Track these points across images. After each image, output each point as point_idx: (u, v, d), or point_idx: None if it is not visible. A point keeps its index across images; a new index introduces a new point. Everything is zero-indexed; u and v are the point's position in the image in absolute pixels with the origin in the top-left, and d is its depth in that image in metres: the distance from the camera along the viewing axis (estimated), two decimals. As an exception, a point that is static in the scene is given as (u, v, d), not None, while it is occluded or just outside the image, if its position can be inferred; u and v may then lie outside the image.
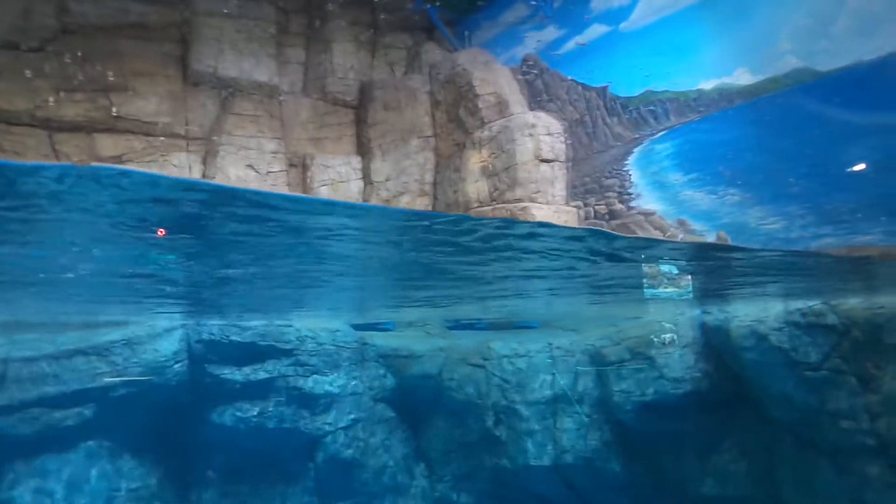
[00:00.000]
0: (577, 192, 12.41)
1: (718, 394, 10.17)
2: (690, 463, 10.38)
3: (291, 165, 11.75)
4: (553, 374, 11.73)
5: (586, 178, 12.47)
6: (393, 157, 12.58)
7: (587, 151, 12.41)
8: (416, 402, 12.33)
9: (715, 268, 8.52)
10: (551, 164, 12.00)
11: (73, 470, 9.78)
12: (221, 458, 11.10)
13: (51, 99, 9.55)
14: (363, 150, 13.04)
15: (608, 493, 10.87)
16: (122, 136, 10.37)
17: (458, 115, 12.96)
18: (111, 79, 9.97)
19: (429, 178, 12.69)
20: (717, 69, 10.70)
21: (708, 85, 10.62)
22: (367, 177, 12.78)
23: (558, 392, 11.59)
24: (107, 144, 10.41)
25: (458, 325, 13.08)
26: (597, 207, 12.03)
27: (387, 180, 12.89)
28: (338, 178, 11.78)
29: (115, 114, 10.19)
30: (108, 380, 10.20)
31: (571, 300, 11.45)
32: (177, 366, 10.87)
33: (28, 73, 9.30)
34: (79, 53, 9.60)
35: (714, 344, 10.23)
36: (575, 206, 12.24)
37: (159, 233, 8.65)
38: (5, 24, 8.83)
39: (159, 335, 10.94)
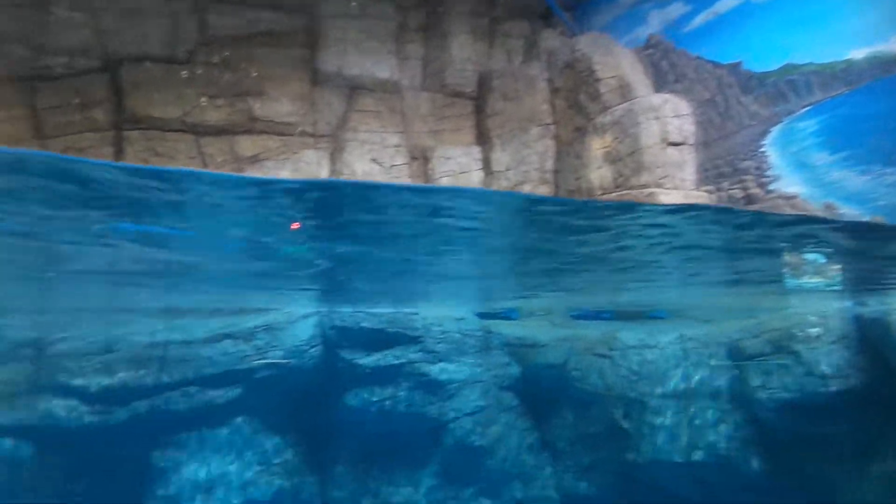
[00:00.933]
0: (708, 176, 11.20)
1: (876, 392, 8.72)
2: (842, 467, 9.00)
3: (413, 158, 11.51)
4: (685, 366, 10.67)
5: (718, 160, 11.23)
6: (513, 147, 12.00)
7: (719, 132, 11.17)
8: (540, 391, 11.72)
9: (870, 254, 7.22)
10: (679, 147, 10.91)
11: (223, 443, 10.07)
12: (354, 439, 11.09)
13: (197, 106, 9.85)
14: (483, 140, 12.56)
15: (744, 493, 9.71)
16: (259, 137, 10.58)
17: (578, 100, 12.15)
18: (248, 84, 10.13)
19: (549, 165, 11.99)
20: (869, 36, 9.18)
21: (858, 54, 9.13)
22: (487, 167, 12.30)
23: (691, 385, 10.51)
24: (246, 145, 10.67)
25: (582, 315, 12.31)
26: (731, 192, 10.79)
27: (507, 170, 12.35)
28: (458, 169, 11.39)
29: (252, 116, 10.38)
30: (252, 362, 10.43)
31: (705, 289, 10.38)
32: (312, 350, 10.97)
33: (177, 83, 9.60)
34: (219, 62, 9.80)
35: (871, 338, 8.78)
36: (706, 191, 11.06)
37: (293, 226, 8.74)
38: (156, 41, 9.15)
39: (296, 321, 11.10)
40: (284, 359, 10.86)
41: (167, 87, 9.88)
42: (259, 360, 10.63)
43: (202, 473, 9.86)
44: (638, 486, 10.57)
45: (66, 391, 9.45)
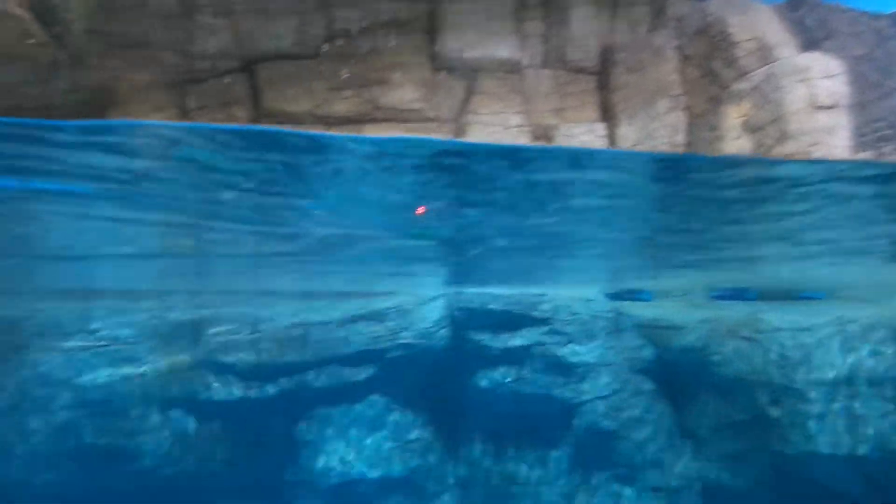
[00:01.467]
0: (865, 140, 9.78)
1: None
2: None
3: (536, 138, 11.00)
4: (844, 351, 9.45)
5: (879, 122, 9.77)
6: (640, 121, 11.15)
7: (878, 92, 9.71)
8: (677, 375, 10.90)
9: None
10: (830, 110, 9.57)
11: (361, 419, 10.25)
12: (485, 419, 10.91)
13: (325, 98, 9.99)
14: (607, 116, 11.79)
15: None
16: (384, 125, 10.55)
17: (711, 68, 11.05)
18: (372, 74, 10.13)
19: (680, 139, 11.01)
20: None
21: None
22: (613, 143, 11.52)
23: (852, 372, 9.30)
24: (372, 133, 10.71)
25: (724, 295, 11.26)
26: (894, 157, 9.34)
27: (634, 145, 11.49)
28: (582, 146, 10.74)
29: (377, 105, 10.39)
30: (385, 343, 10.51)
31: (867, 265, 9.10)
32: (441, 331, 10.89)
33: (307, 78, 9.79)
34: (344, 55, 9.88)
35: None
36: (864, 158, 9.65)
37: (419, 210, 8.68)
38: (287, 40, 9.38)
39: (425, 303, 11.07)
40: (413, 340, 10.83)
41: (298, 82, 10.07)
42: (390, 341, 10.67)
43: (341, 447, 10.07)
44: (789, 479, 9.50)
45: (221, 368, 9.96)
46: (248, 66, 10.27)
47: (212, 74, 10.49)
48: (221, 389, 9.99)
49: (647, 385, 11.25)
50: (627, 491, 10.54)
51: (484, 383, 10.80)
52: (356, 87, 10.66)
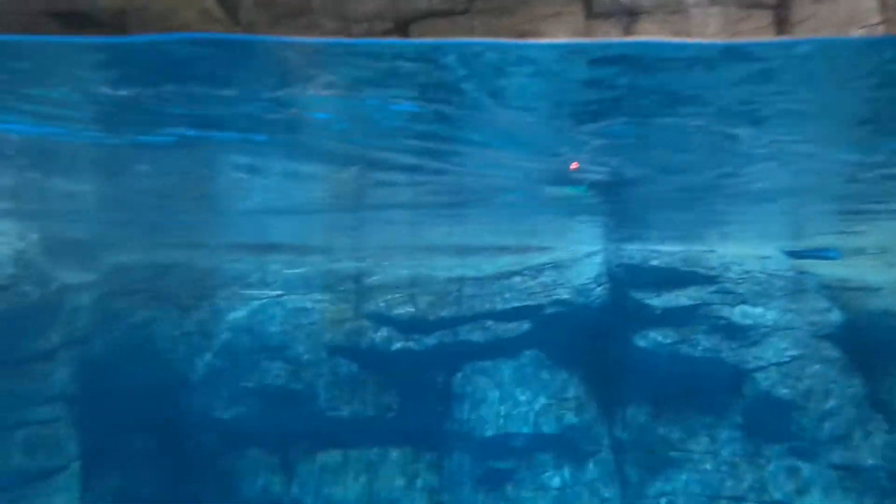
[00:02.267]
0: None
1: None
2: None
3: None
4: None
5: None
6: (831, 55, 9.40)
7: None
8: (870, 342, 9.46)
9: None
10: None
11: (513, 374, 10.05)
12: (644, 380, 10.23)
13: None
14: (789, 52, 10.06)
15: None
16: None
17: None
18: (523, 26, 9.44)
19: (881, 76, 9.14)
20: None
21: None
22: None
23: None
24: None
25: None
26: None
27: (823, 84, 9.79)
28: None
29: (530, 56, 9.68)
30: (540, 299, 10.13)
31: None
32: (598, 289, 10.27)
33: (459, 33, 9.35)
34: (495, 8, 9.28)
35: None
36: None
37: (572, 166, 8.10)
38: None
39: (582, 259, 10.48)
40: (569, 297, 10.31)
41: (452, 38, 9.63)
42: (546, 297, 10.23)
43: (495, 402, 9.93)
44: None
45: (381, 319, 10.14)
46: (403, 26, 9.99)
47: (368, 36, 10.43)
48: (382, 340, 10.17)
49: (833, 352, 9.87)
50: (805, 467, 9.41)
51: (643, 344, 10.06)
52: (510, 38, 10.03)
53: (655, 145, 6.23)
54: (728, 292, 9.84)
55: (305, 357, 10.10)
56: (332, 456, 9.88)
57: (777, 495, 9.31)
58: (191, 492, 9.88)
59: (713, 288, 9.86)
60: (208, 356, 10.04)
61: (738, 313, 9.74)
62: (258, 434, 9.93)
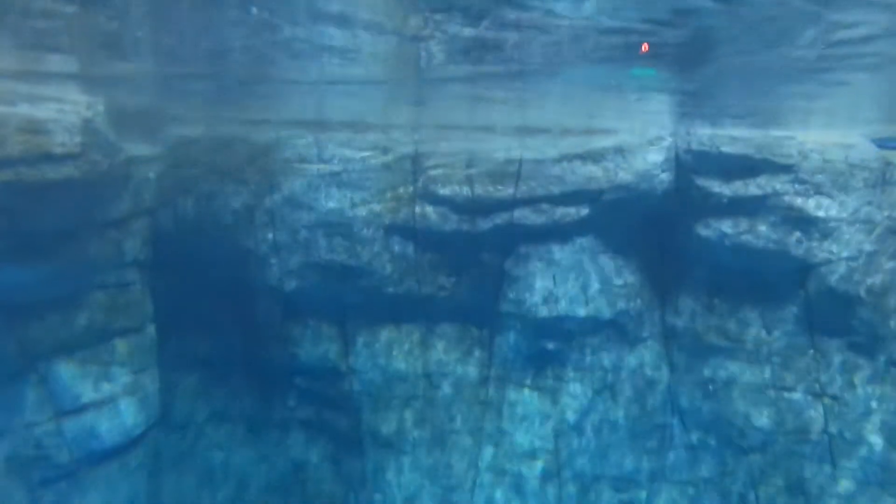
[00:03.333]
0: None
1: None
2: None
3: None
4: None
5: None
6: None
7: None
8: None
9: None
10: None
11: (568, 258, 9.78)
12: (702, 270, 9.82)
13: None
14: None
15: None
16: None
17: None
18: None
19: None
20: None
21: None
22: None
23: None
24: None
25: None
26: None
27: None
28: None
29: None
30: (600, 184, 9.60)
31: None
32: (663, 175, 9.64)
33: None
34: None
35: None
36: None
37: (643, 48, 7.29)
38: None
39: (648, 144, 9.78)
40: (632, 183, 9.72)
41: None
42: (608, 182, 9.67)
43: (549, 285, 9.73)
44: None
45: (436, 199, 9.86)
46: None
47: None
48: (437, 220, 9.94)
49: (911, 249, 9.11)
50: (863, 363, 9.01)
51: (706, 233, 9.53)
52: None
53: (736, 17, 5.43)
54: (803, 182, 9.07)
55: (362, 234, 9.97)
56: (388, 330, 9.98)
57: (828, 388, 9.00)
58: (256, 356, 10.24)
59: (788, 177, 9.10)
60: (269, 230, 10.02)
61: (812, 205, 9.03)
62: (318, 306, 10.07)
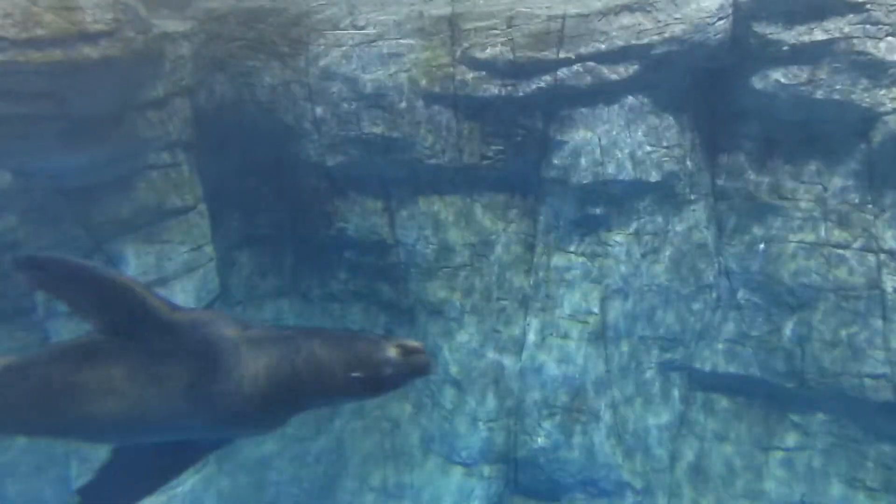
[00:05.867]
0: None
1: None
2: None
3: None
4: None
5: None
6: None
7: None
8: None
9: None
10: None
11: (616, 120, 9.33)
12: (756, 126, 9.20)
13: None
14: None
15: None
16: None
17: None
18: None
19: None
20: None
21: None
22: None
23: None
24: None
25: None
26: None
27: None
28: None
29: None
30: (650, 37, 8.80)
31: None
32: (719, 23, 8.78)
33: None
34: None
35: None
36: None
37: None
38: None
39: (703, -10, 8.79)
40: (685, 34, 8.88)
41: None
42: (658, 35, 8.84)
43: (594, 149, 9.24)
44: None
45: (477, 63, 9.28)
46: None
47: None
48: (478, 85, 9.38)
49: None
50: (927, 217, 8.41)
51: (762, 85, 8.83)
52: None
53: None
54: (876, 23, 8.10)
55: (401, 104, 9.52)
56: (432, 201, 9.77)
57: (883, 244, 8.52)
58: (305, 233, 10.22)
59: (858, 18, 8.18)
60: (308, 104, 9.64)
61: (884, 47, 8.13)
62: (362, 181, 9.84)
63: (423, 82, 9.77)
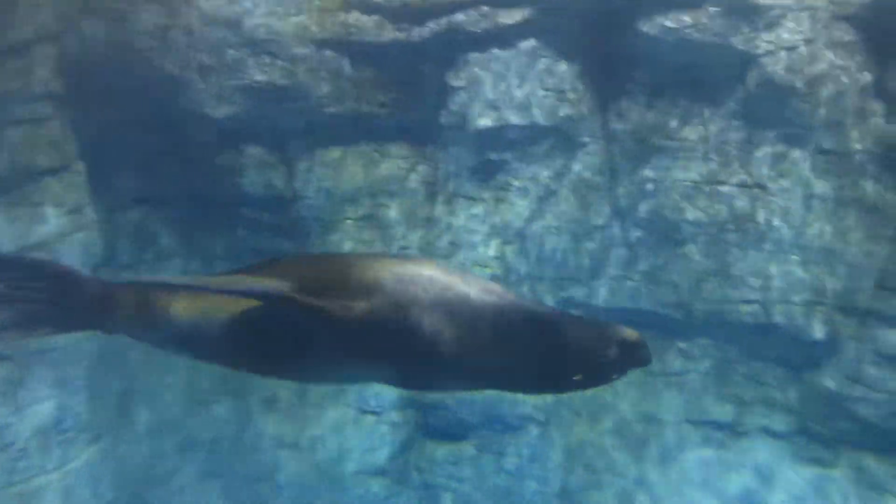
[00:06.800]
0: None
1: None
2: None
3: None
4: None
5: None
6: None
7: None
8: (893, 27, 8.29)
9: None
10: None
11: (511, 66, 9.37)
12: (645, 71, 9.39)
13: None
14: None
15: None
16: None
17: None
18: None
19: None
20: None
21: None
22: None
23: None
24: None
25: None
26: None
27: None
28: None
29: None
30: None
31: None
32: (607, -32, 8.73)
33: None
34: None
35: None
36: None
37: None
38: None
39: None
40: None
41: None
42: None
43: (490, 94, 9.19)
44: None
45: (370, 7, 8.99)
46: None
47: None
48: (372, 30, 9.04)
49: (849, 36, 8.82)
50: (795, 153, 9.04)
51: (648, 29, 9.06)
52: None
53: None
54: (750, -32, 8.36)
55: (292, 51, 9.03)
56: (331, 152, 9.46)
57: (760, 180, 9.07)
58: (195, 188, 9.65)
59: (735, -37, 8.35)
60: (191, 52, 8.96)
61: (759, -9, 8.42)
62: (255, 133, 9.36)
63: (314, 27, 9.31)
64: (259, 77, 9.41)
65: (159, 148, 9.90)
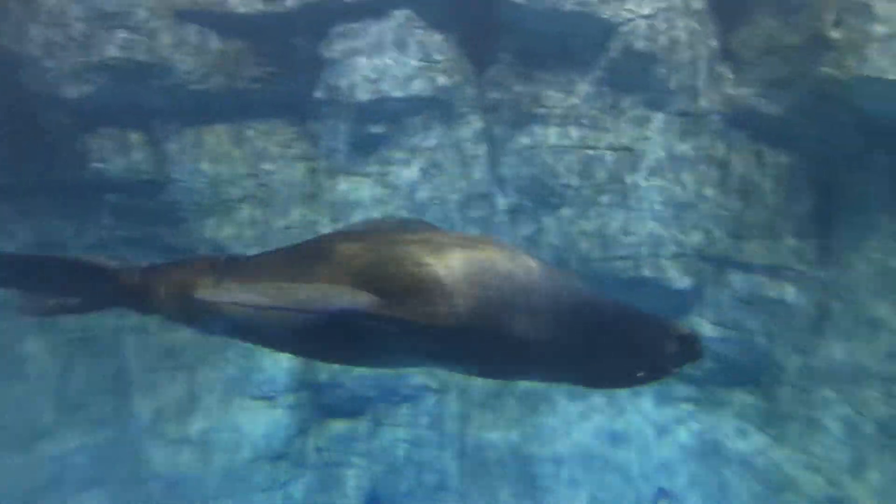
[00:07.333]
0: None
1: None
2: None
3: None
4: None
5: None
6: None
7: None
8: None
9: None
10: None
11: (387, 36, 9.18)
12: (516, 40, 9.51)
13: None
14: None
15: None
16: None
17: None
18: None
19: None
20: None
21: None
22: None
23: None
24: None
25: None
26: None
27: None
28: None
29: None
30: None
31: None
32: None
33: None
34: None
35: None
36: None
37: None
38: None
39: None
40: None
41: None
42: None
43: (366, 66, 9.00)
44: (832, 106, 8.28)
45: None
46: None
47: None
48: (237, 2, 8.58)
49: (700, 4, 9.44)
50: (658, 116, 9.60)
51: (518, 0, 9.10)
52: None
53: None
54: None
55: (150, 24, 8.43)
56: (202, 131, 9.40)
57: (625, 142, 9.56)
58: (53, 175, 8.87)
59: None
60: (34, 26, 8.14)
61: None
62: (115, 112, 8.69)
63: (185, 4, 8.73)
64: (114, 53, 8.73)
65: (6, 133, 8.97)
